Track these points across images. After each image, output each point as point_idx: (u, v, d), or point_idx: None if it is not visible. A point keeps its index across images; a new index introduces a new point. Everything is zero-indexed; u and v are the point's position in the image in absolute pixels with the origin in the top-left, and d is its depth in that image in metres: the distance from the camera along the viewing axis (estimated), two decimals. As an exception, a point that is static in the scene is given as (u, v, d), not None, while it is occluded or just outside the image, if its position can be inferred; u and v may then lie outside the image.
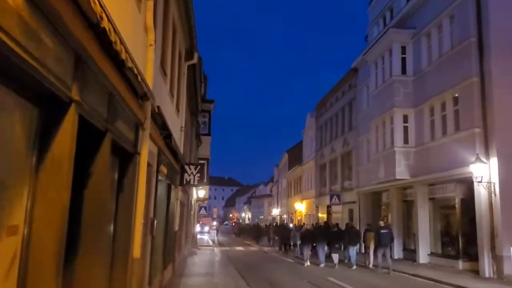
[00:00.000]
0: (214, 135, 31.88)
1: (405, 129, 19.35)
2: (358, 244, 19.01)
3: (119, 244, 5.91)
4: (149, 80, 6.41)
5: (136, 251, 6.17)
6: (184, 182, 13.29)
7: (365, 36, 26.95)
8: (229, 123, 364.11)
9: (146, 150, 6.48)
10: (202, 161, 34.10)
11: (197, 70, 16.64)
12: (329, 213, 32.61)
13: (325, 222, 25.54)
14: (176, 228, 13.59)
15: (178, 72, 12.47)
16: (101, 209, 4.53)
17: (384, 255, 16.29)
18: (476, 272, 14.89)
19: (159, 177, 9.44)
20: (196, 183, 13.32)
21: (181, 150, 13.17)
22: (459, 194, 16.67)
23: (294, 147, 52.72)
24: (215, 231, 57.32)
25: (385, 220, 19.63)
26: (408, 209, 21.16)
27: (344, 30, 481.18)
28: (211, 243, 37.93)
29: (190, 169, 13.31)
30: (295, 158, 48.55)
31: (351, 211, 27.63)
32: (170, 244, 12.32)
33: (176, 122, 12.51)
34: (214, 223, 72.63)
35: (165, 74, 9.34)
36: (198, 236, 42.95)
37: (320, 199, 35.05)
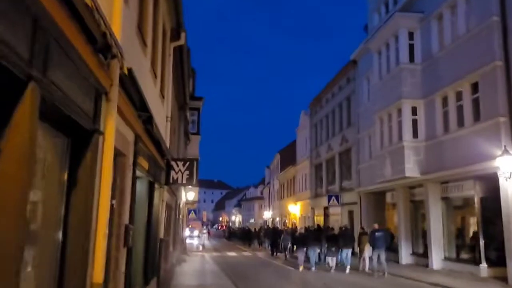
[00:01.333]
0: (202, 136, 30.04)
1: (414, 122, 17.65)
2: (352, 247, 17.93)
3: (71, 265, 4.03)
4: (116, 30, 4.54)
5: (98, 274, 4.28)
6: (171, 181, 11.37)
7: (364, 26, 25.27)
8: (218, 125, 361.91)
9: (113, 130, 4.60)
10: (191, 162, 32.44)
11: (185, 55, 14.76)
12: (326, 215, 30.83)
13: (318, 225, 24.62)
14: (162, 234, 11.67)
15: (162, 51, 10.59)
16: (18, 214, 2.65)
17: (378, 258, 15.63)
18: (503, 280, 13.21)
19: (138, 173, 7.54)
20: (184, 182, 11.41)
21: (167, 144, 11.28)
22: (478, 192, 14.97)
23: (287, 147, 51.02)
24: (207, 235, 55.56)
25: (394, 222, 17.85)
26: (416, 209, 19.47)
27: (334, 35, 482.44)
28: (201, 248, 35.94)
29: (177, 165, 11.40)
30: (288, 158, 46.81)
31: (351, 213, 25.89)
32: (153, 254, 10.40)
33: (161, 110, 10.62)
34: (204, 227, 70.68)
35: (144, 43, 7.45)
36: (188, 241, 41.10)
37: (316, 200, 33.28)
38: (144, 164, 7.93)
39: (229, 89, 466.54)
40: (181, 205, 25.98)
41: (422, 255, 18.25)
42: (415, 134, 17.53)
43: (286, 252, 23.92)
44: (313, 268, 17.52)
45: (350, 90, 26.54)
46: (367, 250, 16.70)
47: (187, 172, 11.38)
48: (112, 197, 6.08)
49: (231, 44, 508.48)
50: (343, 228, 18.92)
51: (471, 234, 15.95)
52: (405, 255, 19.16)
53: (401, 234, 19.38)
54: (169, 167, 11.38)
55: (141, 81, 6.44)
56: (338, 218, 27.98)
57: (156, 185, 10.19)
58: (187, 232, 45.95)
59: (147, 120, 7.12)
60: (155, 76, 9.32)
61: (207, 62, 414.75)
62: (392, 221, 21.89)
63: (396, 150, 17.97)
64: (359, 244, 17.88)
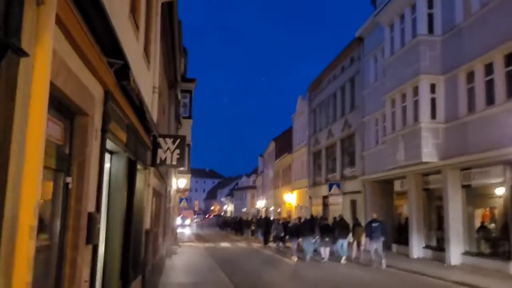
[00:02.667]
0: (194, 124, 27.95)
1: (432, 101, 15.85)
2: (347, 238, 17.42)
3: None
4: None
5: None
6: (158, 161, 9.48)
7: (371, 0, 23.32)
8: (209, 114, 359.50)
9: (48, 52, 2.69)
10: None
11: (175, 18, 12.79)
12: (325, 205, 29.13)
13: (311, 215, 23.80)
14: (148, 225, 9.80)
15: (146, 2, 8.64)
16: None
17: (376, 249, 15.26)
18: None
19: (111, 145, 5.67)
20: (174, 163, 9.52)
21: (154, 118, 9.39)
22: (509, 179, 13.19)
23: (282, 134, 49.24)
24: (201, 223, 54.60)
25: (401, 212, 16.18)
26: (430, 199, 17.74)
27: (329, 20, 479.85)
28: (192, 237, 34.25)
29: (166, 143, 9.50)
30: (283, 146, 45.05)
31: (353, 202, 24.17)
32: (136, 248, 8.54)
33: (145, 74, 8.69)
34: (195, 216, 69.35)
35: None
36: (179, 230, 39.60)
37: (314, 189, 31.55)
38: (121, 134, 6.04)
39: (220, 77, 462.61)
40: (171, 193, 24.15)
41: (437, 249, 16.59)
42: (433, 114, 15.73)
43: (278, 242, 23.29)
44: (308, 258, 16.89)
45: (354, 71, 24.68)
46: (363, 241, 16.48)
47: (177, 151, 9.49)
48: (67, 173, 4.22)
49: (221, 31, 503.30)
50: (338, 218, 18.34)
51: (498, 225, 14.24)
52: (417, 249, 17.46)
53: (412, 225, 17.68)
54: (156, 145, 9.49)
55: (115, 21, 4.52)
56: (339, 208, 26.30)
57: (139, 166, 8.30)
58: (178, 221, 44.47)
59: (122, 72, 5.18)
60: (137, 27, 7.38)
61: (197, 51, 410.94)
62: (401, 211, 20.22)
63: (411, 133, 16.17)
64: (353, 235, 17.47)
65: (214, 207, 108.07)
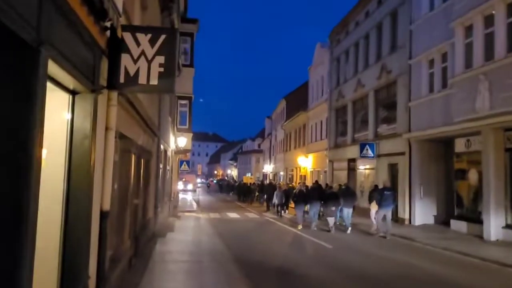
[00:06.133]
0: (195, 86, 22.90)
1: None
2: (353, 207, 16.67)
3: None
4: None
5: None
6: (122, 79, 4.78)
7: None
8: (213, 77, 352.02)
9: None
10: (183, 101, 25.67)
11: None
12: (351, 169, 24.61)
13: (316, 181, 22.74)
14: (107, 204, 5.24)
15: None
16: None
17: (384, 218, 14.52)
18: None
19: None
20: (155, 82, 4.79)
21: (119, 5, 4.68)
22: None
23: (295, 91, 44.28)
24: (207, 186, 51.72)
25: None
26: (514, 162, 13.15)
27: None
28: (194, 206, 30.03)
29: (138, 43, 4.77)
30: (296, 104, 40.14)
31: (393, 166, 19.56)
32: (75, 252, 4.03)
33: None
34: (198, 180, 65.48)
35: None
36: (180, 196, 35.61)
37: (337, 151, 26.88)
38: None
39: (223, 35, 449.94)
40: (168, 154, 19.68)
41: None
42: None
43: (278, 209, 22.87)
44: (313, 226, 16.35)
45: (397, 2, 19.56)
46: (373, 209, 15.52)
47: (159, 59, 4.77)
48: None
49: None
50: (344, 186, 18.05)
51: None
52: (495, 228, 12.98)
53: (488, 197, 13.16)
54: (119, 48, 4.79)
55: None
56: (371, 173, 21.83)
57: (76, 82, 3.65)
58: (179, 186, 40.46)
59: None
60: None
61: (201, 9, 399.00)
62: (465, 178, 15.61)
63: (504, 68, 11.38)
64: (370, 202, 16.03)
65: (218, 171, 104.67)
